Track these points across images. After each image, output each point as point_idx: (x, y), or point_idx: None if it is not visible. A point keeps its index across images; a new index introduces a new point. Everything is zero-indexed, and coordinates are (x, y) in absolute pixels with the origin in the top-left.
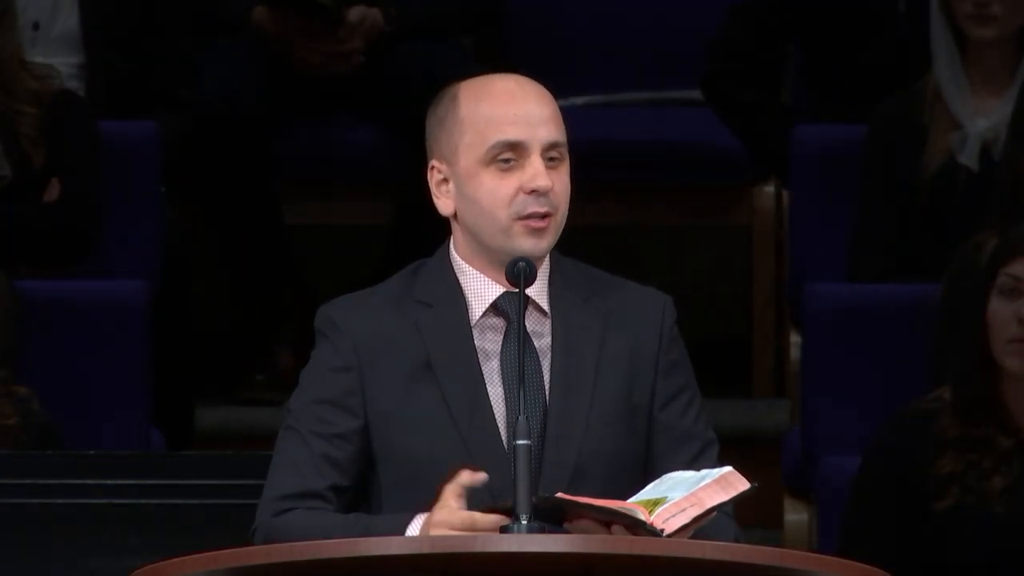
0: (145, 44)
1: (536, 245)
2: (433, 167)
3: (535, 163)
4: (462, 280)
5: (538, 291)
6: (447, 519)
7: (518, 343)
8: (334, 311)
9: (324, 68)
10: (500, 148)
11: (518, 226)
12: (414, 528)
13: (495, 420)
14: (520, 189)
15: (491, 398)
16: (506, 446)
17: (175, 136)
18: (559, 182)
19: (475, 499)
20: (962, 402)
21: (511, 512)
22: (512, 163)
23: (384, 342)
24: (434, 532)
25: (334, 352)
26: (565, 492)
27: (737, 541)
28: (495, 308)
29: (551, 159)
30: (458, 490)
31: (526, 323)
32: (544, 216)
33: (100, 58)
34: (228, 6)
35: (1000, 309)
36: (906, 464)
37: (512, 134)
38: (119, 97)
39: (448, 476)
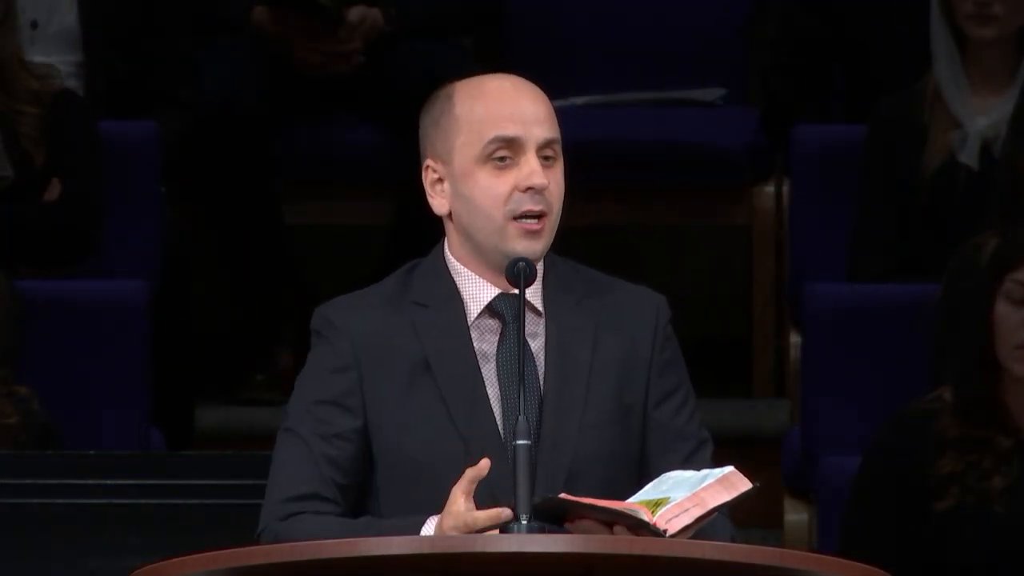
0: (144, 43)
1: (530, 247)
2: (428, 167)
3: (531, 161)
4: (458, 281)
5: (533, 292)
6: (454, 524)
7: (517, 344)
8: (330, 311)
9: (324, 68)
10: (496, 144)
11: (513, 227)
12: (428, 532)
13: (495, 420)
14: (515, 187)
15: (489, 399)
16: (505, 446)
17: (175, 136)
18: (553, 181)
19: (476, 499)
20: (963, 403)
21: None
22: (507, 162)
23: (381, 342)
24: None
25: (332, 352)
26: (561, 494)
27: (732, 539)
28: (490, 310)
29: (546, 158)
30: (466, 487)
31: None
32: (539, 216)
33: (99, 57)
34: (228, 6)
35: (1008, 315)
36: (906, 464)
37: (509, 130)
38: (118, 96)
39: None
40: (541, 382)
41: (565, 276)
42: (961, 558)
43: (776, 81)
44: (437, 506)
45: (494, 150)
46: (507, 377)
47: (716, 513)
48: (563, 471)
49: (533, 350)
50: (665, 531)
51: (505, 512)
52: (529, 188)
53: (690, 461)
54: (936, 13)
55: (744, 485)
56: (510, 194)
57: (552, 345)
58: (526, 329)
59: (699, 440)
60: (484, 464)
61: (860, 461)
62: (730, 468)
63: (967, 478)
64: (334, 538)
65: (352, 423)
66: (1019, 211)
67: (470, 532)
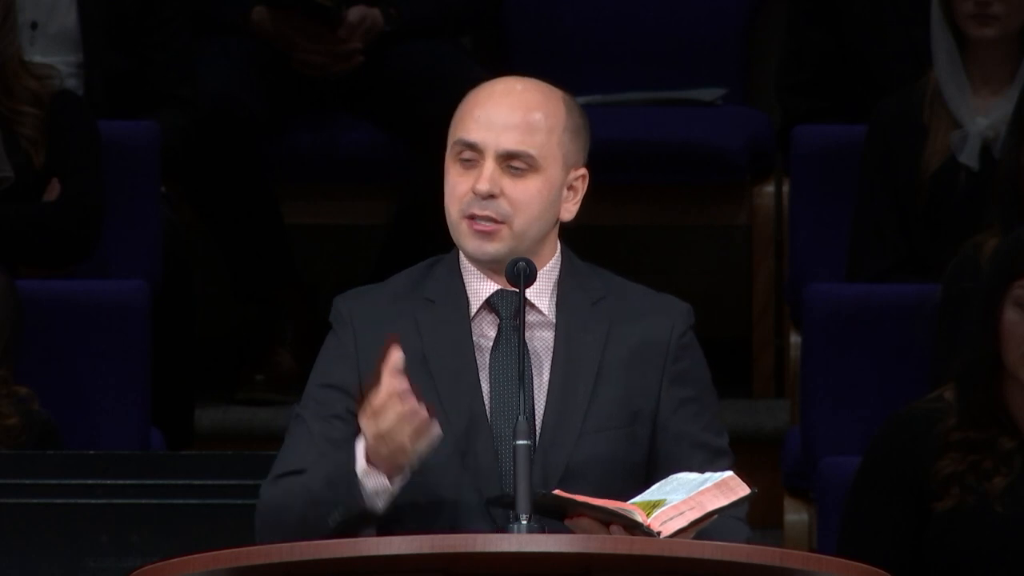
0: (144, 43)
1: (479, 247)
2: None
3: (487, 166)
4: (465, 277)
5: (538, 291)
6: (367, 411)
7: (518, 343)
8: (341, 302)
9: (324, 68)
10: (460, 146)
11: (464, 224)
12: (360, 450)
13: (487, 416)
14: (471, 189)
15: (483, 393)
16: (494, 443)
17: (175, 136)
18: (517, 190)
19: (467, 497)
20: (966, 404)
21: (511, 505)
22: (472, 163)
23: (382, 335)
24: (369, 433)
25: (338, 341)
26: (561, 491)
27: (749, 542)
28: (489, 306)
29: (515, 168)
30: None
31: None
32: (488, 220)
33: (99, 57)
34: (228, 6)
35: (1017, 322)
36: (907, 464)
37: (472, 134)
38: (118, 96)
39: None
40: (545, 382)
41: (583, 277)
42: (961, 558)
43: (789, 99)
44: (429, 497)
45: (460, 151)
46: (498, 374)
47: (714, 517)
48: (559, 471)
49: (534, 349)
50: (659, 533)
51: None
52: (476, 192)
53: (704, 471)
54: (936, 13)
55: (743, 490)
56: (465, 194)
57: (561, 344)
58: (528, 328)
59: (715, 449)
60: (396, 355)
61: (860, 460)
62: (729, 473)
63: (968, 478)
64: (301, 490)
65: (352, 405)
66: (1019, 211)
67: (376, 414)
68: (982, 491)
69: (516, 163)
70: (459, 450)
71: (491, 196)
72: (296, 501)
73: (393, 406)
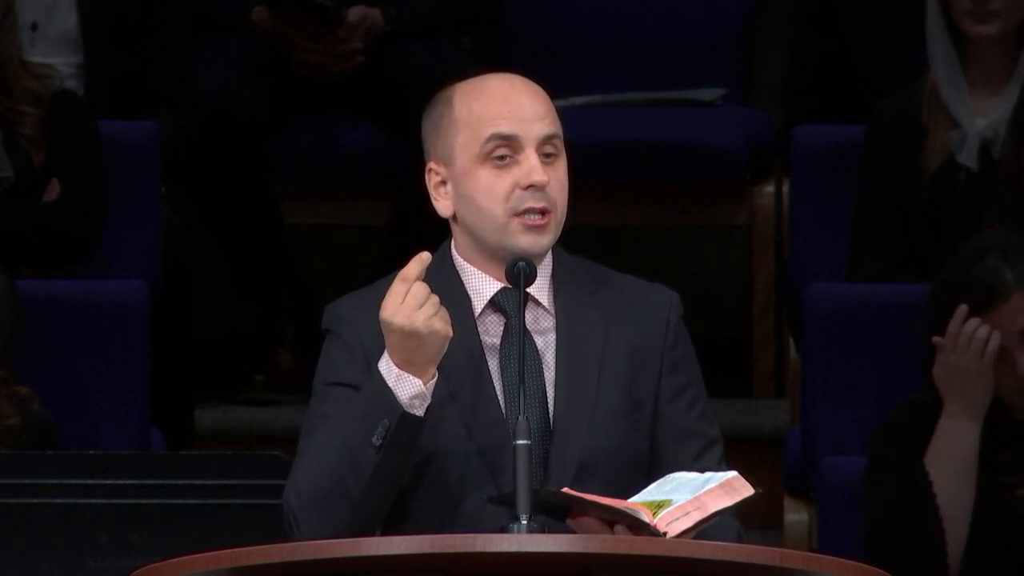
0: (144, 43)
1: (535, 242)
2: (431, 169)
3: (530, 157)
4: (463, 277)
5: (539, 287)
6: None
7: (518, 342)
8: (339, 307)
9: (324, 68)
10: (495, 142)
11: (516, 223)
12: (383, 365)
13: (500, 409)
14: (516, 185)
15: (496, 390)
16: (511, 441)
17: (175, 136)
18: (555, 177)
19: (479, 492)
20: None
21: (513, 504)
22: (507, 160)
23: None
24: (396, 336)
25: (342, 344)
26: (570, 488)
27: (740, 537)
28: (493, 304)
29: (547, 154)
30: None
31: (527, 320)
32: (542, 212)
33: (99, 58)
34: (228, 6)
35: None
36: (915, 448)
37: (506, 128)
38: (119, 96)
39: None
40: (549, 377)
41: (575, 270)
42: (979, 561)
43: (794, 102)
44: (443, 493)
45: (493, 148)
46: (509, 373)
47: (717, 518)
48: (572, 466)
49: (540, 345)
50: (665, 534)
51: (424, 255)
52: (530, 186)
53: (700, 459)
54: (932, 9)
55: (747, 491)
56: (511, 191)
57: (562, 339)
58: (536, 324)
59: (710, 439)
60: (425, 256)
61: (869, 444)
62: (733, 473)
63: (988, 482)
64: (330, 453)
65: None
66: (1018, 211)
67: (400, 311)
68: (1003, 496)
69: (549, 147)
70: (476, 448)
71: (543, 186)
72: (328, 457)
73: (414, 296)
